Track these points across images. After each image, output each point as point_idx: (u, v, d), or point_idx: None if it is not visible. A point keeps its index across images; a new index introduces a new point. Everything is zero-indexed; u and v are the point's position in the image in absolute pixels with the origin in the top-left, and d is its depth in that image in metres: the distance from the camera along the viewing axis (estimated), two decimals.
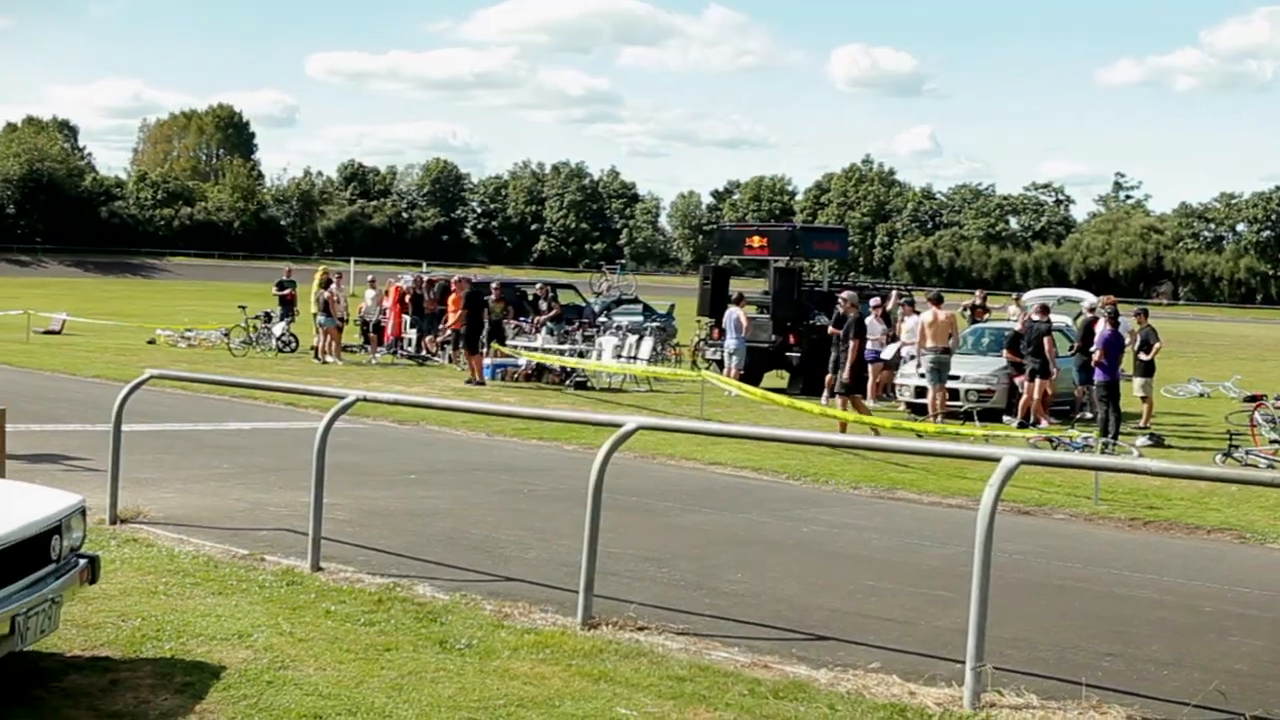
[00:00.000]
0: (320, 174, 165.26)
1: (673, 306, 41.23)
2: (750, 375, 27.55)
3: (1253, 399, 25.72)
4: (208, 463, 15.66)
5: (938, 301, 24.76)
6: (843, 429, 19.64)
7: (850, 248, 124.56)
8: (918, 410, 24.99)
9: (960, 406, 24.48)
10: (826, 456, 18.09)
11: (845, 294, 24.02)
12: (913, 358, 25.52)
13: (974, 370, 25.24)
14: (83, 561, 7.41)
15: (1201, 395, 31.69)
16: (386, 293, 35.63)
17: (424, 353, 33.67)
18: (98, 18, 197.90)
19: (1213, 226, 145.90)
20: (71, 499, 7.47)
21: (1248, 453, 20.07)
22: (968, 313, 32.62)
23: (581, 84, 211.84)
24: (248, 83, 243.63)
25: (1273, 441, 21.19)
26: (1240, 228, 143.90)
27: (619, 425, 8.96)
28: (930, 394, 24.47)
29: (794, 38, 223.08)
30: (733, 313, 28.28)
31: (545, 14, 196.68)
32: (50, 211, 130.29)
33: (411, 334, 34.58)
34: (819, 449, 18.20)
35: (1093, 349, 22.60)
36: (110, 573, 9.22)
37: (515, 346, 29.88)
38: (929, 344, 24.05)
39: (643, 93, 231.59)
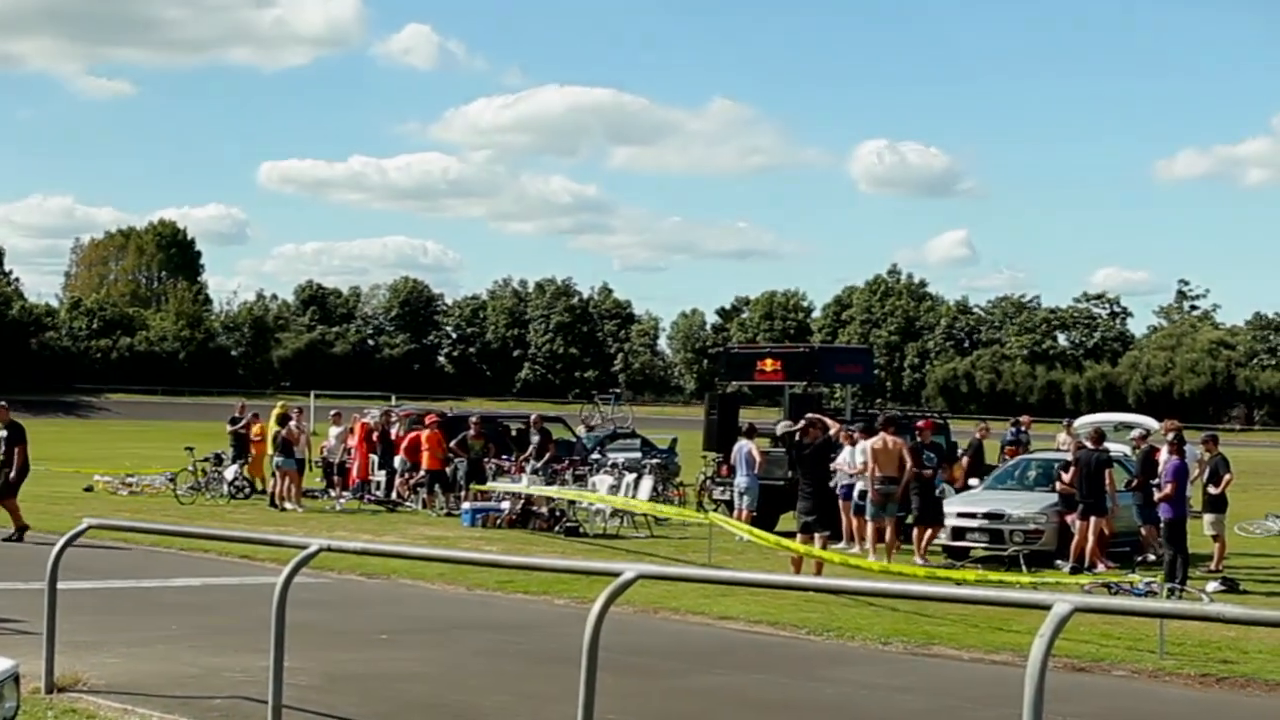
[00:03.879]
0: (275, 297, 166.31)
1: (675, 441, 41.35)
2: (763, 517, 27.61)
3: None
4: (154, 623, 15.70)
5: (888, 426, 24.88)
6: (818, 570, 19.83)
7: (876, 370, 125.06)
8: (956, 555, 25.05)
9: (1005, 550, 24.54)
10: (852, 608, 18.13)
11: (810, 416, 24.25)
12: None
13: (1020, 508, 25.30)
14: None
15: None
16: (351, 430, 35.79)
17: (395, 497, 33.75)
18: (22, 123, 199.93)
19: None
20: (2, 664, 7.55)
21: None
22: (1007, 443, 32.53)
23: (568, 190, 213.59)
24: (192, 196, 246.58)
25: None
26: None
27: (616, 574, 9.06)
28: (916, 533, 24.69)
29: (809, 133, 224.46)
30: (743, 446, 28.39)
31: (525, 112, 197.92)
32: None
33: (380, 476, 34.68)
34: (844, 599, 18.26)
35: (1156, 481, 22.72)
36: None
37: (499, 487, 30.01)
38: (877, 473, 24.22)
39: (637, 199, 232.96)
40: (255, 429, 35.92)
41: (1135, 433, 26.94)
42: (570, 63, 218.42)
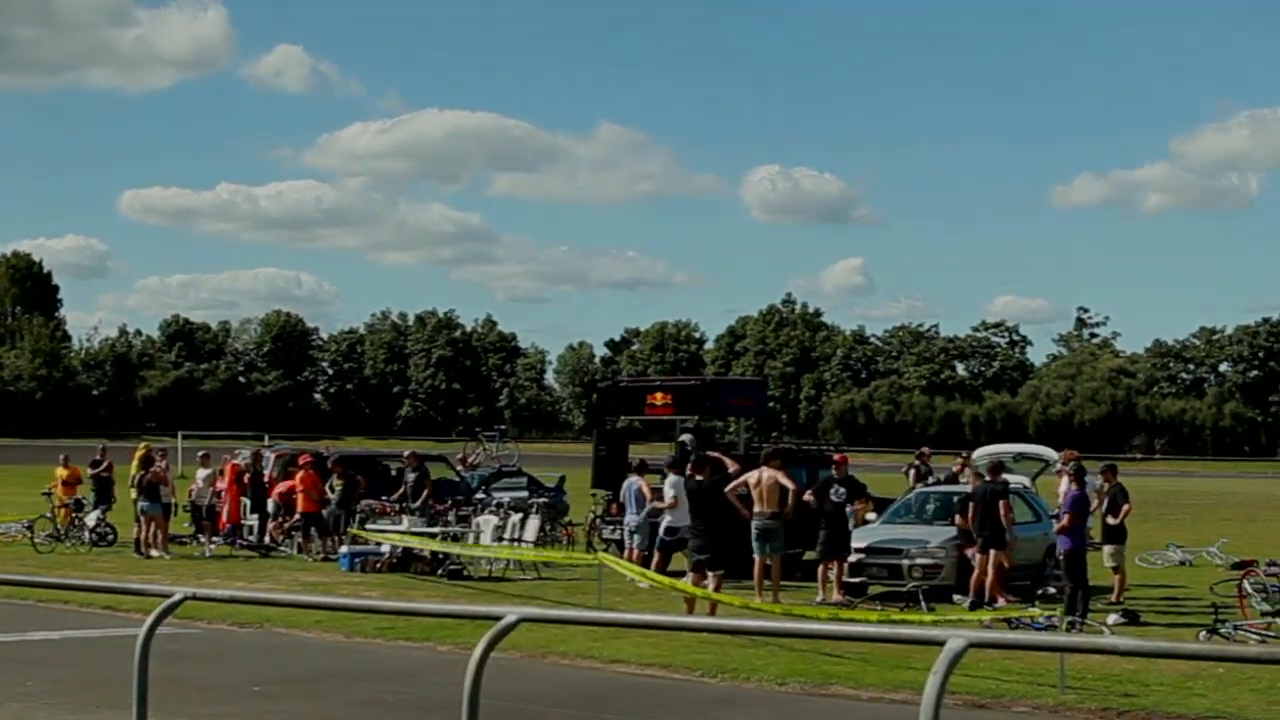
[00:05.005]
0: (139, 333, 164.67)
1: (562, 479, 41.30)
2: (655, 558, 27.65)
3: (1241, 565, 26.28)
4: (10, 680, 15.46)
5: (772, 460, 25.00)
6: (712, 610, 19.95)
7: (771, 403, 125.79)
8: (854, 591, 25.23)
9: (904, 585, 24.73)
10: (749, 649, 18.20)
11: (706, 454, 24.42)
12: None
13: (918, 542, 25.54)
14: None
15: (1183, 563, 32.21)
16: (221, 472, 35.42)
17: (268, 541, 33.48)
18: None
19: (1191, 367, 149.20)
20: None
21: (1236, 627, 20.47)
22: (910, 473, 33.23)
23: (449, 219, 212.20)
24: (48, 227, 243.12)
25: (1265, 614, 21.63)
26: (1223, 368, 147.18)
27: (498, 618, 9.05)
28: (821, 569, 24.99)
29: (700, 159, 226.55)
30: (633, 484, 28.43)
31: (403, 137, 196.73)
32: None
33: (252, 520, 34.38)
34: (740, 640, 18.32)
35: (1056, 513, 23.05)
36: None
37: (375, 530, 29.84)
38: (757, 508, 24.38)
39: (522, 228, 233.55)
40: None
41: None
42: (450, 86, 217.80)
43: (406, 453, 35.32)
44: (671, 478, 26.93)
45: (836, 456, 26.88)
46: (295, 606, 14.28)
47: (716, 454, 25.30)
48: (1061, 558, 22.60)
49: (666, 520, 26.29)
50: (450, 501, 32.55)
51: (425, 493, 31.92)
